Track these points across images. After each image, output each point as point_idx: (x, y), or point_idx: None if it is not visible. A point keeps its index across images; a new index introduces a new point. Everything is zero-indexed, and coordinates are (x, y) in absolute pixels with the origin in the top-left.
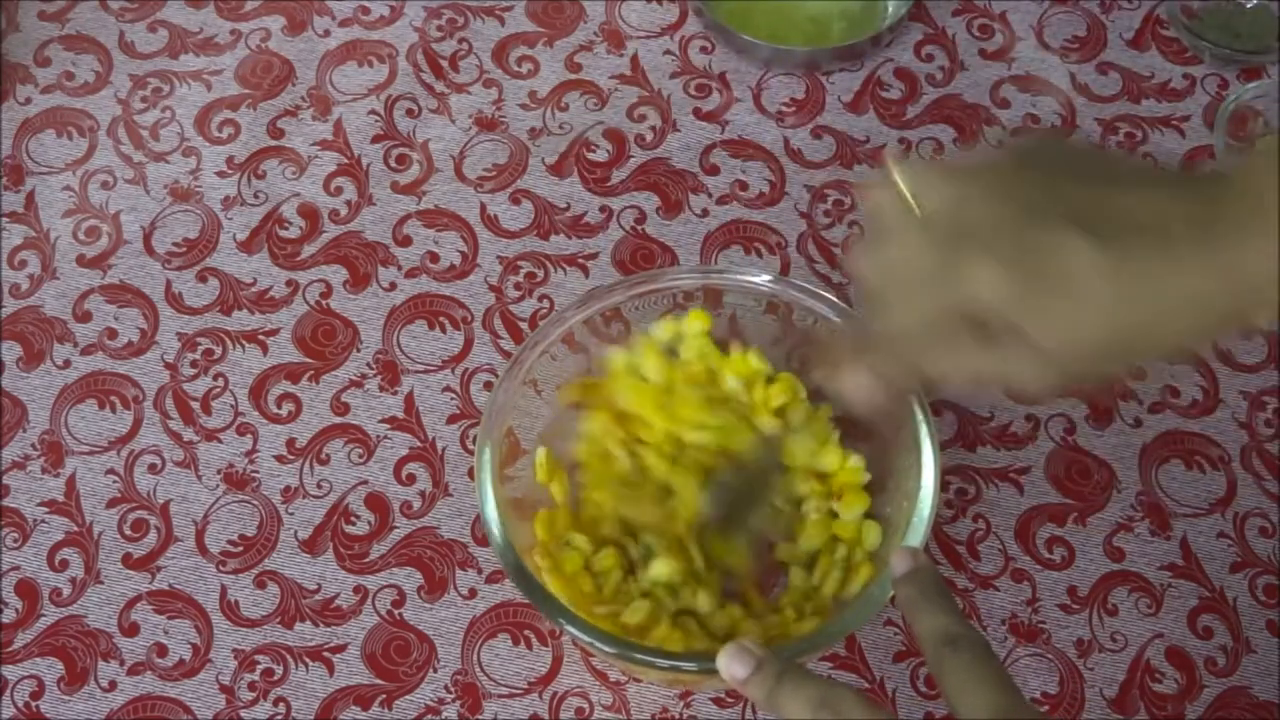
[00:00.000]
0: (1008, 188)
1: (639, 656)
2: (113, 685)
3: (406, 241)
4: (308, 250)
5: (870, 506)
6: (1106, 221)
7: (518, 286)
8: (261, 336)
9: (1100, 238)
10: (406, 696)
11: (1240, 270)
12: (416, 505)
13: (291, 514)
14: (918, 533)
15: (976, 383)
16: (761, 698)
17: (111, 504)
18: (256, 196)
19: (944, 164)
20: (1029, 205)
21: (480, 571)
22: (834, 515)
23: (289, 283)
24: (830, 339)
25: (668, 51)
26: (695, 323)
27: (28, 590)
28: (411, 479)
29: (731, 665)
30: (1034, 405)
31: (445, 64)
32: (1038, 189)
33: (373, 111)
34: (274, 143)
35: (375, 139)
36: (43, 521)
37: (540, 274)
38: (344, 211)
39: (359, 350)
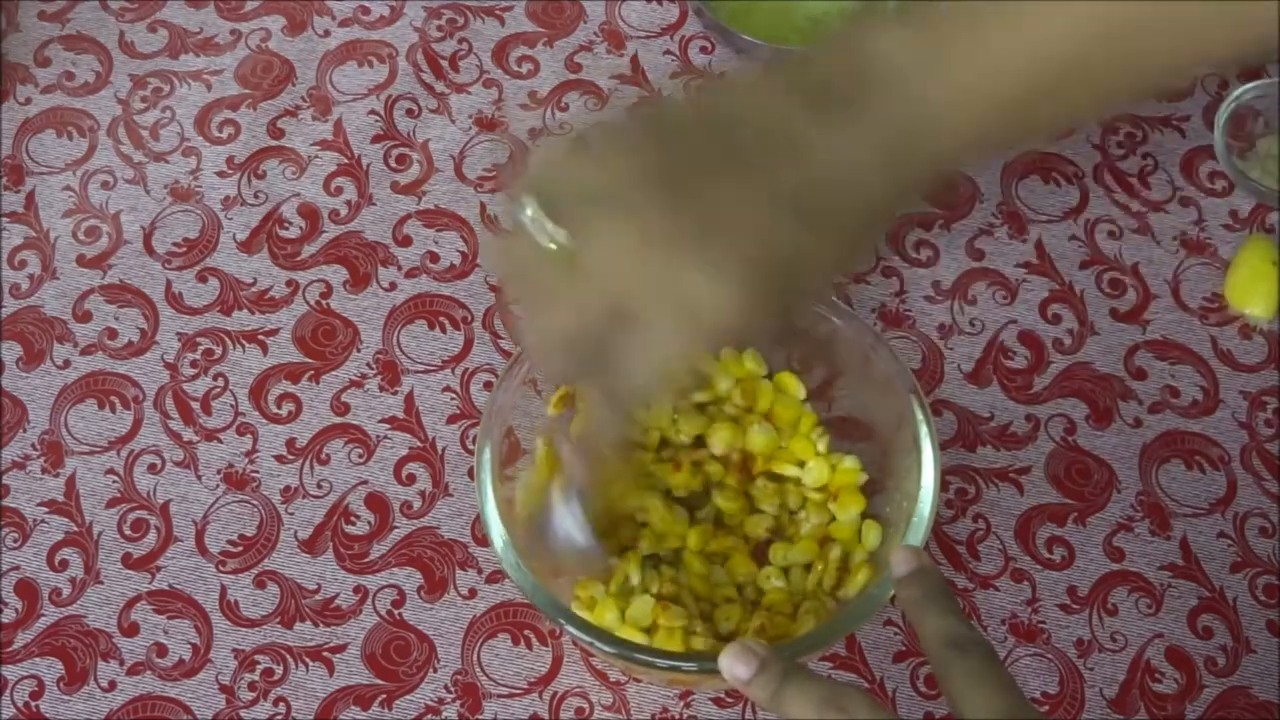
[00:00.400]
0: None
1: (639, 656)
2: (112, 685)
3: (406, 241)
4: (308, 250)
5: (869, 506)
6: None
7: None
8: (261, 336)
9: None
10: (406, 696)
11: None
12: (416, 505)
13: (291, 514)
14: (918, 533)
15: (660, 366)
16: (765, 698)
17: (111, 504)
18: (256, 196)
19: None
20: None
21: (480, 571)
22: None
23: (289, 283)
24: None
25: (668, 52)
26: None
27: (27, 590)
28: (411, 479)
29: (734, 665)
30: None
31: (445, 64)
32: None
33: (373, 111)
34: (274, 143)
35: (375, 139)
36: (43, 521)
37: None
38: (344, 211)
39: (359, 350)
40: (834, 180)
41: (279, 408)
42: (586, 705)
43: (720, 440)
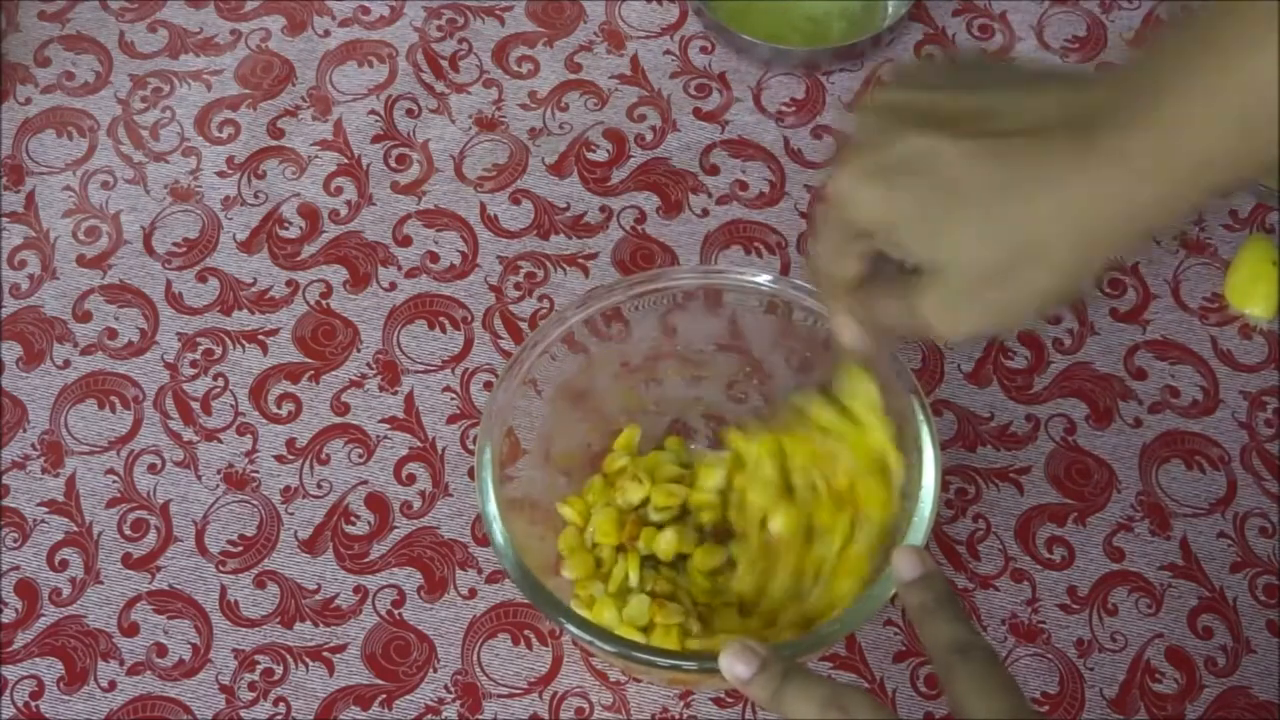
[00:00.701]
0: (887, 111)
1: (639, 656)
2: (112, 685)
3: (406, 241)
4: (308, 250)
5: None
6: (980, 127)
7: (518, 286)
8: (261, 336)
9: (969, 138)
10: (406, 696)
11: (1126, 160)
12: (416, 505)
13: (291, 514)
14: (918, 533)
15: (892, 328)
16: (765, 698)
17: (111, 504)
18: (256, 196)
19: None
20: (895, 121)
21: (480, 571)
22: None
23: (289, 283)
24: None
25: (668, 51)
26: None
27: (27, 590)
28: (411, 479)
29: (734, 665)
30: (957, 349)
31: (445, 64)
32: (910, 106)
33: (373, 111)
34: (274, 143)
35: (375, 139)
36: (43, 521)
37: (540, 274)
38: (344, 211)
39: (359, 350)
40: (1055, 187)
41: (279, 408)
42: (586, 705)
43: (782, 524)
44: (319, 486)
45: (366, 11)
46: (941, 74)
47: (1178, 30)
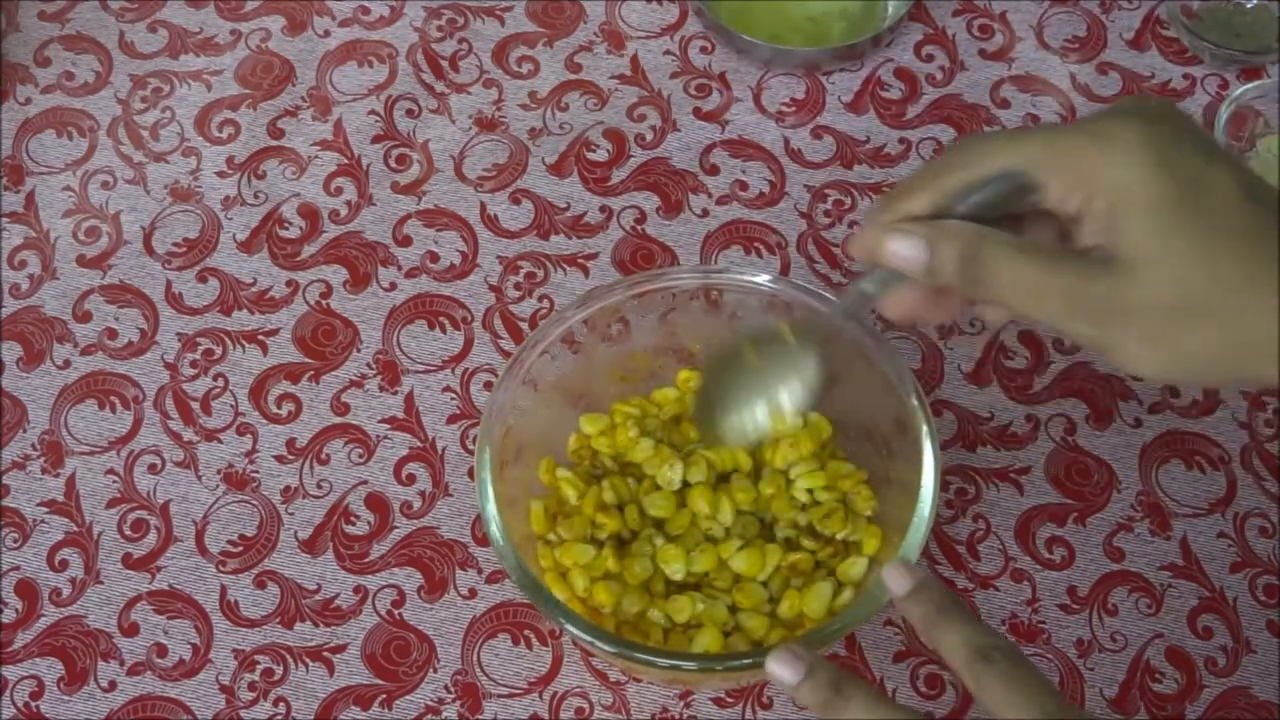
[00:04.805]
0: (1175, 112)
1: (639, 656)
2: (113, 685)
3: (406, 241)
4: (308, 250)
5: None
6: (1251, 181)
7: (518, 286)
8: (261, 336)
9: (1248, 185)
10: (406, 696)
11: None
12: (416, 505)
13: (291, 514)
14: (918, 533)
15: (1023, 302)
16: (815, 704)
17: (111, 504)
18: (256, 196)
19: None
20: (1193, 129)
21: (480, 571)
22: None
23: (289, 283)
24: (903, 181)
25: (668, 51)
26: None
27: (28, 590)
28: (411, 479)
29: (781, 670)
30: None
31: (445, 64)
32: (1199, 131)
33: (373, 111)
34: (274, 143)
35: (375, 139)
36: (43, 521)
37: (540, 274)
38: (344, 211)
39: (359, 350)
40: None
41: (279, 408)
42: (586, 705)
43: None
44: (319, 486)
45: (366, 11)
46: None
47: None
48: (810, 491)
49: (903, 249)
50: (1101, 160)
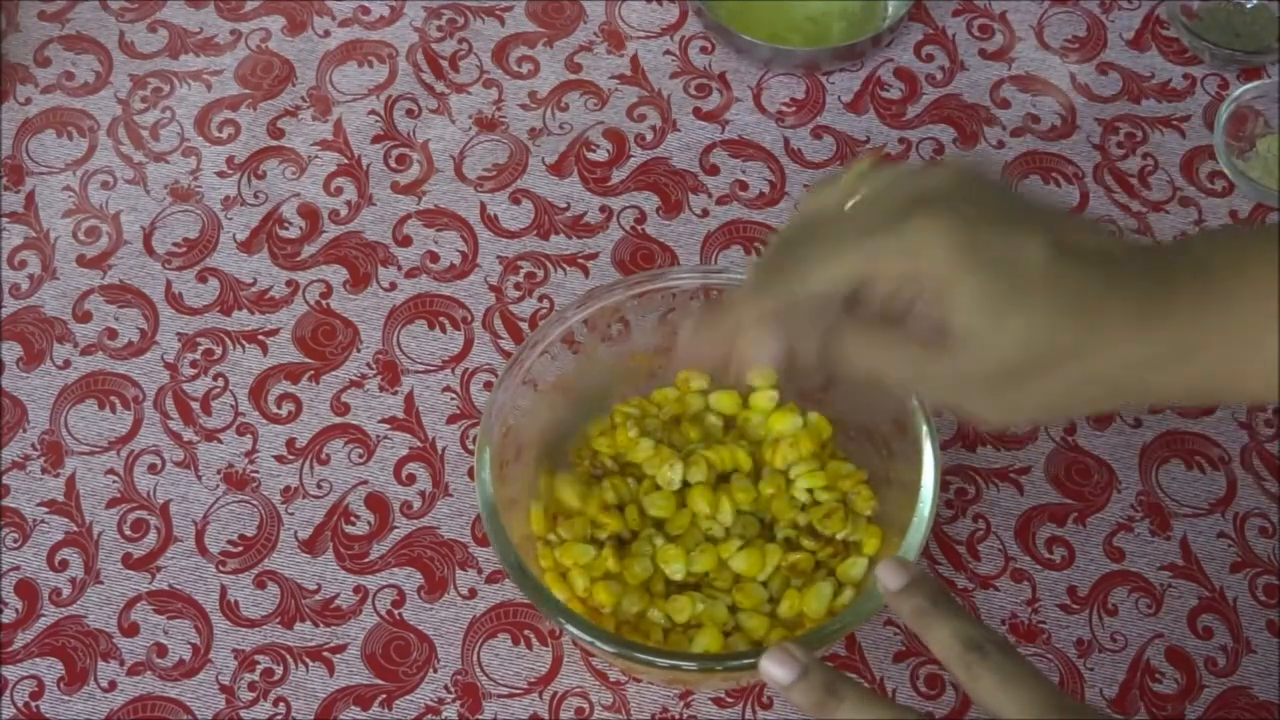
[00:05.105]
0: (975, 179)
1: (639, 656)
2: (113, 685)
3: (406, 241)
4: (308, 250)
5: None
6: (1062, 239)
7: (518, 286)
8: (261, 336)
9: (1053, 242)
10: (406, 696)
11: (1204, 339)
12: (416, 505)
13: (291, 514)
14: (918, 533)
15: (878, 376)
16: (808, 705)
17: (111, 504)
18: (256, 196)
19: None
20: (996, 197)
21: (480, 571)
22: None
23: (289, 283)
24: (729, 296)
25: (668, 51)
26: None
27: (28, 590)
28: (411, 479)
29: (774, 668)
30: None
31: (445, 64)
32: (1005, 193)
33: (373, 111)
34: (274, 143)
35: (375, 139)
36: (43, 521)
37: (540, 274)
38: (344, 211)
39: (359, 350)
40: (1109, 335)
41: (279, 408)
42: (586, 705)
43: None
44: (319, 486)
45: (366, 11)
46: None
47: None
48: (810, 491)
49: (763, 351)
50: (916, 267)
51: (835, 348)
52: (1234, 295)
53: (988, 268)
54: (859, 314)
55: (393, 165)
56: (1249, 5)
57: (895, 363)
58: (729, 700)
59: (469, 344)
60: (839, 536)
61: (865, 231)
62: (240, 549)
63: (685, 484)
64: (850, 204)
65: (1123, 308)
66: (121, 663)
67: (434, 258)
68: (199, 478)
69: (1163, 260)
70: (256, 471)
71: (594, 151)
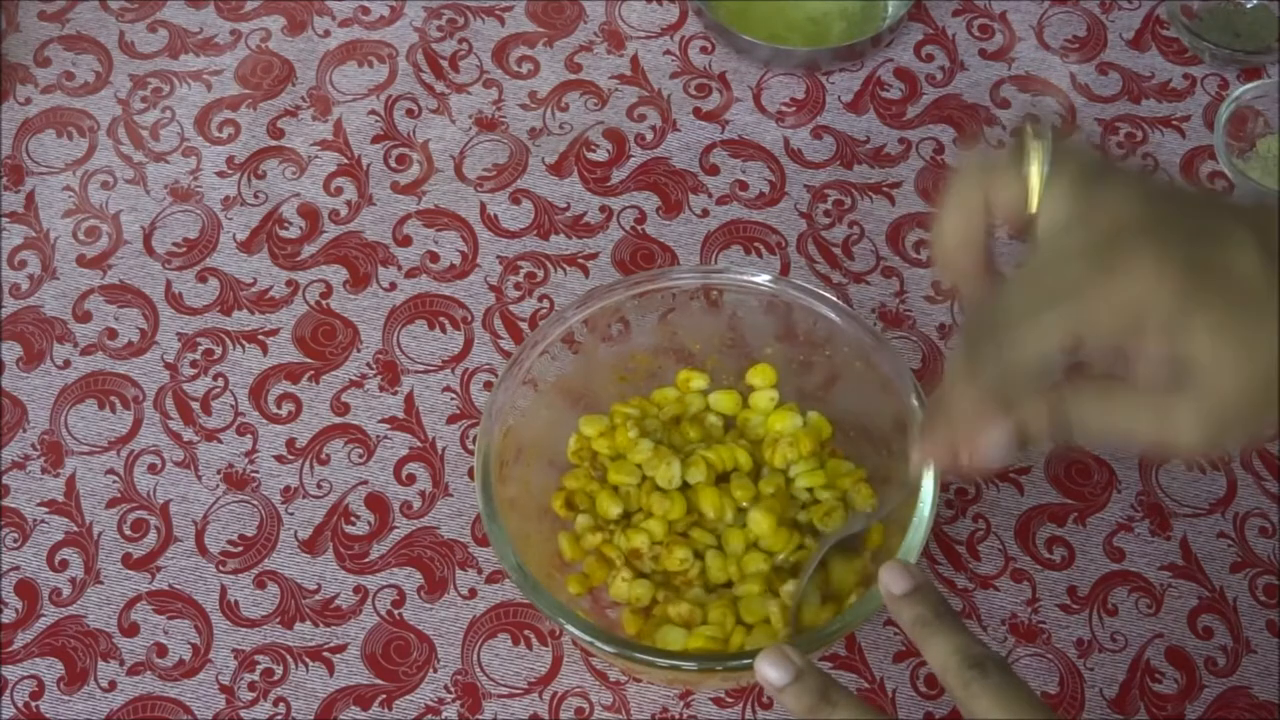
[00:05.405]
0: (1158, 188)
1: (639, 656)
2: (113, 685)
3: (406, 241)
4: (308, 250)
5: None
6: (1267, 239)
7: (518, 286)
8: (261, 336)
9: (1267, 248)
10: (406, 696)
11: None
12: (416, 505)
13: (291, 514)
14: (918, 533)
15: (1127, 439)
16: (800, 709)
17: (111, 504)
18: (256, 196)
19: (1064, 155)
20: (1188, 208)
21: (480, 571)
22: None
23: (289, 283)
24: (944, 390)
25: (668, 51)
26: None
27: (28, 590)
28: (411, 479)
29: (768, 669)
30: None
31: (445, 64)
32: (1191, 196)
33: (373, 111)
34: (274, 143)
35: (375, 139)
36: (43, 521)
37: (540, 274)
38: (344, 211)
39: (359, 350)
40: None
41: (279, 408)
42: (586, 705)
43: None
44: (319, 486)
45: (366, 11)
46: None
47: None
48: (810, 490)
49: (994, 441)
50: (1139, 307)
51: (1067, 417)
52: None
53: (1210, 294)
54: (1084, 377)
55: (393, 165)
56: (1249, 5)
57: (1140, 418)
58: (729, 700)
59: (469, 344)
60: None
61: (1074, 285)
62: (240, 549)
63: (685, 484)
64: (1034, 256)
65: None
66: (121, 663)
67: (434, 258)
68: (199, 478)
69: None
70: (256, 471)
71: (594, 151)
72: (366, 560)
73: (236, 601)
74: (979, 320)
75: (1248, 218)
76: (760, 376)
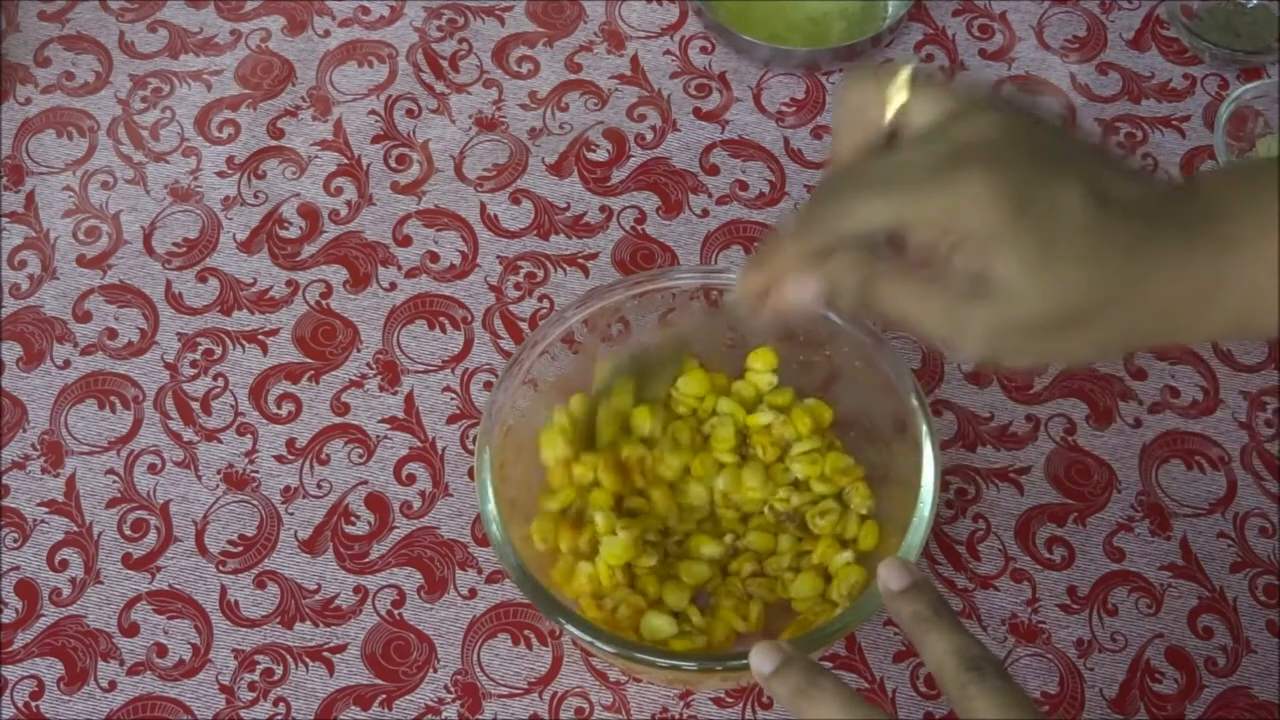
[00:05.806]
0: (1021, 124)
1: (639, 656)
2: (113, 685)
3: (406, 241)
4: (308, 250)
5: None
6: (1102, 189)
7: (518, 286)
8: (261, 336)
9: (1097, 196)
10: (406, 696)
11: (1225, 280)
12: (416, 505)
13: (291, 514)
14: (918, 533)
15: (918, 329)
16: (785, 694)
17: (111, 504)
18: (256, 196)
19: (954, 87)
20: (1039, 145)
21: (480, 571)
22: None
23: (289, 283)
24: (774, 237)
25: (668, 51)
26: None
27: (28, 590)
28: (411, 479)
29: (760, 662)
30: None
31: (445, 64)
32: (1048, 137)
33: (373, 111)
34: (274, 143)
35: (375, 139)
36: (43, 521)
37: (540, 274)
38: (344, 211)
39: (359, 350)
40: (1150, 274)
41: (279, 408)
42: (586, 705)
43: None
44: (319, 486)
45: (366, 11)
46: (1062, 130)
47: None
48: (806, 482)
49: (802, 289)
50: (962, 217)
51: (873, 292)
52: (1247, 234)
53: (1030, 223)
54: (899, 260)
55: (393, 165)
56: (1249, 5)
57: (933, 312)
58: (729, 700)
59: (469, 344)
60: (832, 534)
61: (911, 179)
62: (240, 549)
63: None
64: (896, 144)
65: (1155, 258)
66: (121, 663)
67: (434, 258)
68: (199, 478)
69: (1186, 202)
70: (256, 471)
71: (594, 151)
72: (366, 560)
73: (236, 601)
74: (827, 184)
75: (1091, 163)
76: (760, 360)
